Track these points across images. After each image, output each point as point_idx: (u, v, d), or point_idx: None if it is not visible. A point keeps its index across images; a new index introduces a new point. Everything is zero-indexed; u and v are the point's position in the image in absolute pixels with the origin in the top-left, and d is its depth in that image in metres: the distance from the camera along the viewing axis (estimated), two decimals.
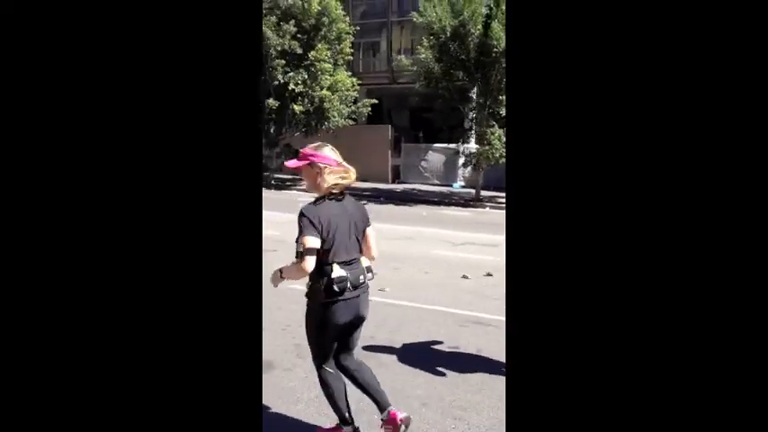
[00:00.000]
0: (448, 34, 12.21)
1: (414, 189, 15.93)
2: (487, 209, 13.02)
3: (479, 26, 12.08)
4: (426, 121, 17.05)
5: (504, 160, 12.94)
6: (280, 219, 8.14)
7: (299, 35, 13.71)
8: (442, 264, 6.44)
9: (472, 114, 14.07)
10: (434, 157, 17.53)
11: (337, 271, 2.28)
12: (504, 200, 13.65)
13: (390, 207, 12.60)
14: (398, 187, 16.35)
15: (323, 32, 14.14)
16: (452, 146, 17.36)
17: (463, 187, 17.09)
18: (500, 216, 11.68)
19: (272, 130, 15.28)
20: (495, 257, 6.56)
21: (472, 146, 17.21)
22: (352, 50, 15.55)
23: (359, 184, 16.81)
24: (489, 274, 5.81)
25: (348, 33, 14.86)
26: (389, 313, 4.41)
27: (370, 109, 15.71)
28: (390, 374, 3.19)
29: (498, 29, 11.74)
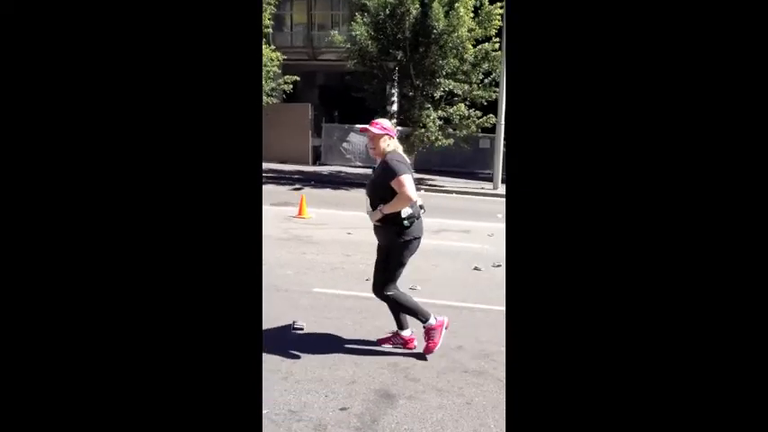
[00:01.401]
0: (387, 12, 11.79)
1: (340, 172, 15.42)
2: (422, 192, 12.97)
3: (417, 5, 11.81)
4: (344, 101, 16.53)
5: (438, 143, 12.95)
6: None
7: None
8: (442, 255, 6.18)
9: (395, 94, 13.86)
10: (356, 138, 17.08)
11: None
12: (433, 183, 13.82)
13: (328, 191, 12.05)
14: (323, 170, 15.74)
15: None
16: None
17: None
18: (444, 200, 11.71)
19: None
20: (482, 245, 6.65)
21: (400, 128, 17.12)
22: (271, 22, 14.49)
23: (280, 166, 16.07)
24: (498, 265, 5.67)
25: (269, 4, 13.78)
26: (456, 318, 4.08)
27: (291, 86, 14.82)
28: None
29: (438, 9, 11.57)
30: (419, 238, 3.10)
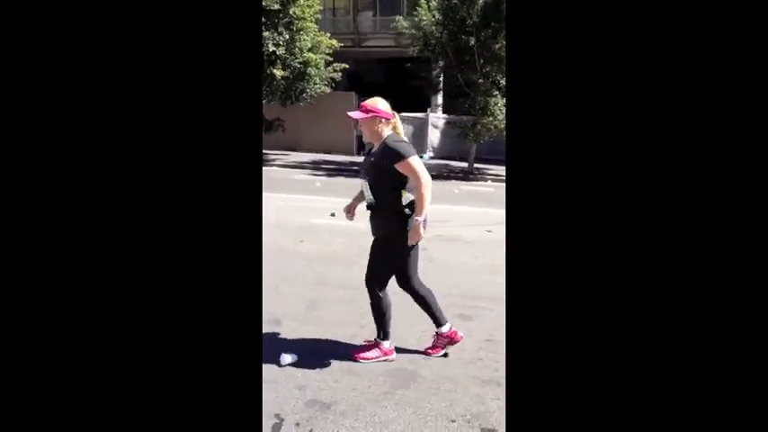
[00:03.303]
0: None
1: None
2: (489, 182, 12.70)
3: None
4: (370, 87, 16.06)
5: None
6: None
7: None
8: None
9: (441, 82, 13.43)
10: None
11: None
12: (495, 173, 13.54)
13: None
14: None
15: None
16: (420, 115, 16.72)
17: (432, 158, 16.58)
18: None
19: None
20: None
21: (440, 115, 16.76)
22: (321, 8, 13.95)
23: (327, 156, 15.63)
24: None
25: None
26: None
27: (340, 74, 14.34)
28: None
29: None
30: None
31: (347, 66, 14.36)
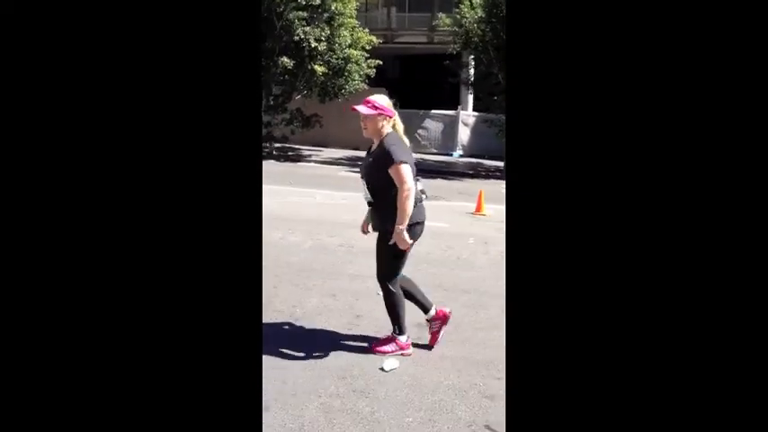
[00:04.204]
0: None
1: (424, 159, 14.94)
2: None
3: None
4: (393, 85, 16.01)
5: None
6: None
7: None
8: None
9: (471, 77, 13.31)
10: (432, 124, 16.59)
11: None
12: None
13: (443, 182, 11.57)
14: None
15: None
16: (451, 112, 16.64)
17: (461, 156, 16.51)
18: None
19: (274, 92, 13.15)
20: None
21: (471, 113, 16.68)
22: (358, 3, 13.83)
23: (357, 152, 15.51)
24: None
25: None
26: None
27: (374, 71, 14.23)
28: None
29: None
30: (422, 222, 2.85)
31: (381, 62, 14.25)
